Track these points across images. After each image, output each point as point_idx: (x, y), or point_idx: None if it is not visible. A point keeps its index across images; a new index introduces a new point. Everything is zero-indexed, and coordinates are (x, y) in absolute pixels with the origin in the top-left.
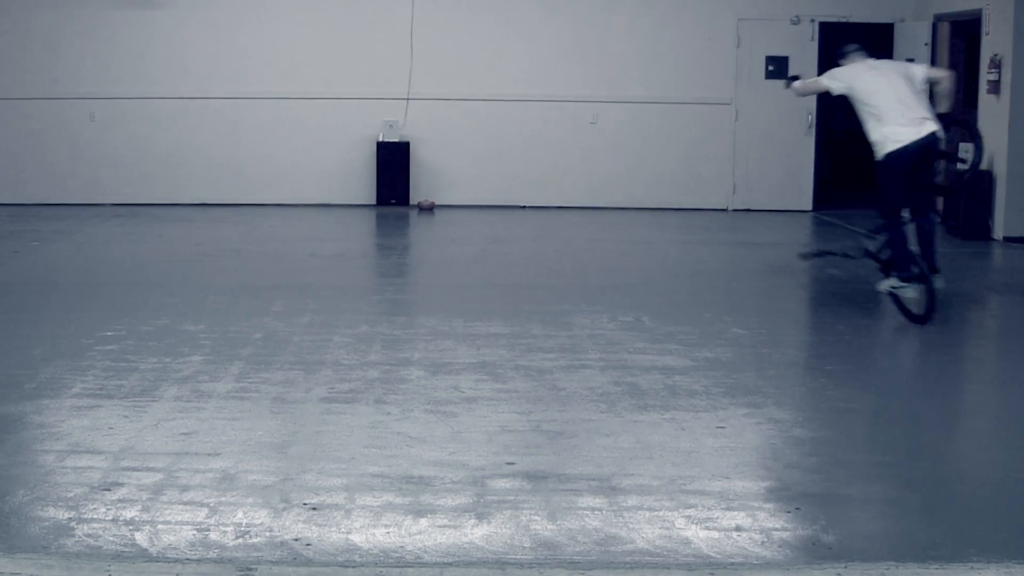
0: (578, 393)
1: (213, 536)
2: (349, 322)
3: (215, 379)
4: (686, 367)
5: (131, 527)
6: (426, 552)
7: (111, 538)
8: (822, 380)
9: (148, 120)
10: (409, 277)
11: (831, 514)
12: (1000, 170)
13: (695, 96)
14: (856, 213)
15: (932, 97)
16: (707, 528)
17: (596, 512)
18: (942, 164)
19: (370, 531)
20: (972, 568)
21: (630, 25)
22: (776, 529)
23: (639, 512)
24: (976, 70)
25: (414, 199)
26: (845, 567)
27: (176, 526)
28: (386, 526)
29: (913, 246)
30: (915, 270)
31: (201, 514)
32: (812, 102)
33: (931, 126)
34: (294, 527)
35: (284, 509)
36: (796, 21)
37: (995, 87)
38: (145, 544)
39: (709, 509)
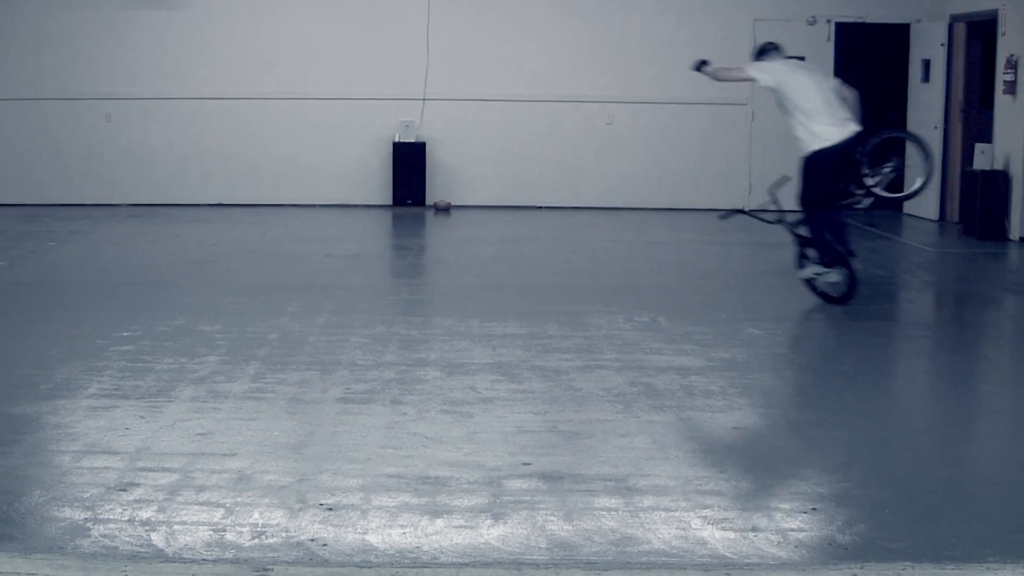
0: (594, 393)
1: (229, 536)
2: (365, 322)
3: (231, 379)
4: (702, 367)
5: (147, 527)
6: (442, 552)
7: (127, 539)
8: (838, 381)
9: (164, 120)
10: (425, 277)
11: (847, 514)
12: (1016, 171)
13: (711, 96)
14: (873, 213)
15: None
16: (723, 528)
17: (612, 512)
18: (888, 171)
19: (386, 531)
20: (988, 568)
21: (646, 25)
22: (792, 529)
23: (655, 512)
24: (992, 71)
25: (430, 199)
26: (861, 567)
27: (192, 526)
28: (402, 526)
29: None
30: (835, 256)
31: (217, 514)
32: None
33: (854, 126)
34: (310, 527)
35: (300, 509)
36: (812, 22)
37: (1011, 87)
38: (161, 544)
39: (725, 510)
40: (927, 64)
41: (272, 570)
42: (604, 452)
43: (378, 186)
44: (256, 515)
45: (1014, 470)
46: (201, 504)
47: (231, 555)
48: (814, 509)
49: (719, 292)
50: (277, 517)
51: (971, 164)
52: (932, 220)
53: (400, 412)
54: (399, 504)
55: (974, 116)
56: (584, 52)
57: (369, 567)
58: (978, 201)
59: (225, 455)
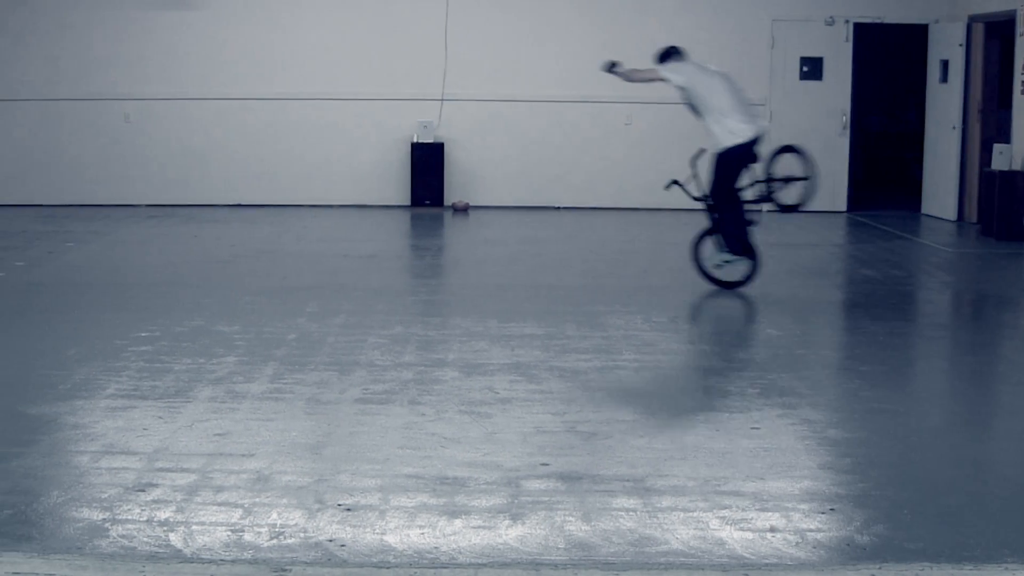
0: (612, 394)
1: (247, 537)
2: (383, 323)
3: (249, 380)
4: (721, 368)
5: (165, 528)
6: (460, 553)
7: (145, 539)
8: (856, 381)
9: (182, 121)
10: (443, 278)
11: (866, 515)
12: None
13: None
14: (890, 214)
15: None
16: (741, 529)
17: (630, 513)
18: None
19: (404, 532)
20: (1007, 569)
21: (664, 26)
22: (811, 530)
23: (673, 513)
24: (1010, 71)
25: (448, 200)
26: (880, 568)
27: (210, 527)
28: (420, 527)
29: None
30: (742, 247)
31: (235, 515)
32: (847, 103)
33: (764, 123)
34: (328, 528)
35: (318, 510)
36: (831, 22)
37: None
38: (179, 545)
39: (743, 510)
40: (945, 64)
41: (290, 571)
42: (622, 452)
43: (396, 186)
44: (274, 515)
45: None
46: (219, 504)
47: (249, 555)
48: (832, 509)
49: (737, 292)
50: (295, 517)
51: (989, 165)
52: (950, 220)
53: (418, 412)
54: (417, 504)
55: (992, 116)
56: (602, 52)
57: (387, 567)
58: (996, 202)
59: (243, 455)
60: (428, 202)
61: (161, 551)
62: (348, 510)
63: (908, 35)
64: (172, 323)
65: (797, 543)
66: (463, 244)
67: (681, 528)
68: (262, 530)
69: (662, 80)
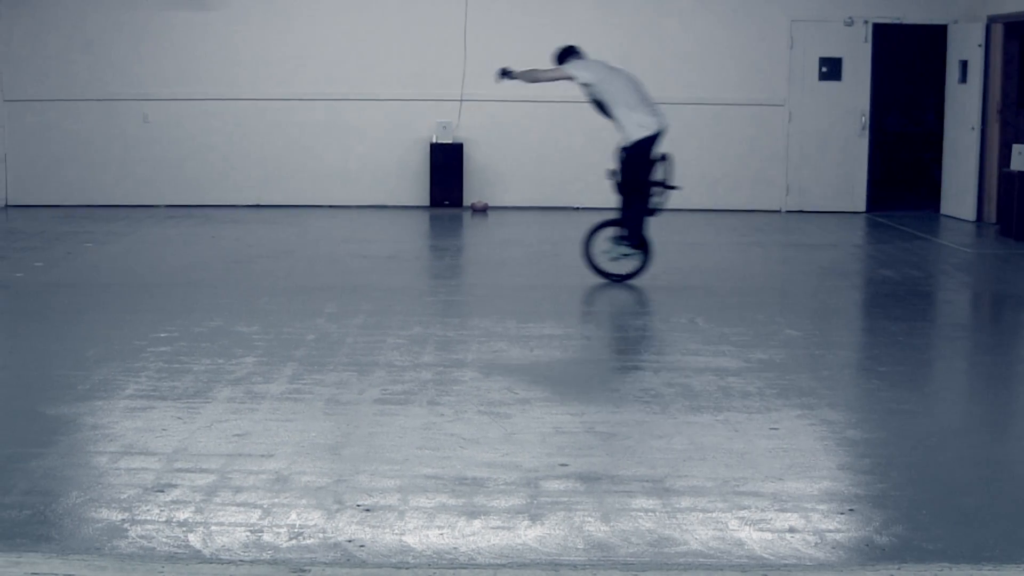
0: (631, 394)
1: (266, 537)
2: (402, 323)
3: (268, 380)
4: (739, 368)
5: (184, 528)
6: (479, 553)
7: (164, 539)
8: (875, 382)
9: (201, 121)
10: (462, 278)
11: (885, 515)
12: None
13: (748, 98)
14: (909, 214)
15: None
16: (760, 529)
17: (649, 513)
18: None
19: (423, 532)
20: None
21: (683, 26)
22: (830, 530)
23: (692, 513)
24: None
25: (467, 200)
26: (899, 568)
27: (230, 527)
28: (439, 527)
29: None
30: (641, 240)
31: (254, 515)
32: (866, 104)
33: (665, 119)
34: (347, 528)
35: (337, 510)
36: (850, 22)
37: None
38: (198, 545)
39: (762, 510)
40: (964, 65)
41: (309, 571)
42: (641, 453)
43: (415, 187)
44: (293, 516)
45: None
46: (238, 505)
47: (268, 556)
48: (851, 510)
49: (757, 293)
50: (314, 518)
51: (1008, 165)
52: (969, 221)
53: (437, 413)
54: (436, 505)
55: (1011, 117)
56: (621, 53)
57: (406, 568)
58: (1015, 202)
59: (262, 456)
60: (447, 203)
61: (180, 552)
62: (367, 511)
63: (927, 35)
64: (191, 324)
65: (816, 544)
66: (482, 245)
67: (700, 529)
68: (281, 531)
69: (569, 78)
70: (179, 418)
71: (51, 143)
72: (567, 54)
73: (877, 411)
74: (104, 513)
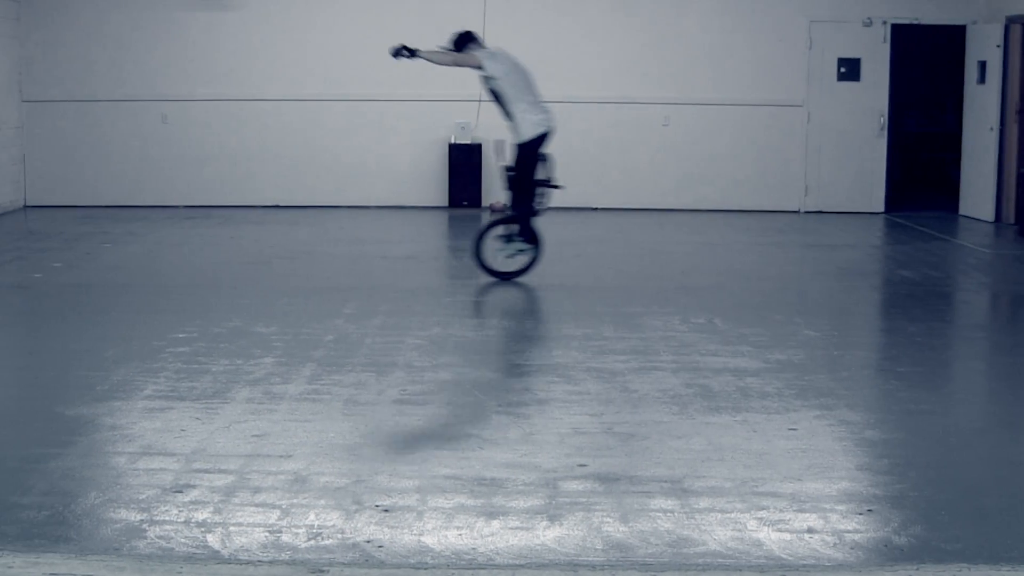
0: (650, 395)
1: (285, 538)
2: (421, 324)
3: (287, 381)
4: (758, 369)
5: (203, 529)
6: (498, 554)
7: (183, 540)
8: (894, 382)
9: (220, 122)
10: (481, 279)
11: (903, 516)
12: None
13: (767, 98)
14: (928, 215)
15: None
16: (779, 530)
17: (668, 514)
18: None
19: (442, 533)
20: None
21: (702, 27)
22: (848, 531)
23: (711, 514)
24: None
25: (486, 201)
26: (917, 569)
27: (248, 528)
28: (458, 528)
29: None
30: (533, 236)
31: (273, 516)
32: (884, 104)
33: (554, 118)
34: (366, 529)
35: (356, 511)
36: (868, 23)
37: None
38: (217, 546)
39: (781, 511)
40: (983, 65)
41: (328, 571)
42: (660, 454)
43: (434, 187)
44: (312, 516)
45: None
46: (257, 505)
47: (287, 557)
48: (870, 510)
49: (775, 293)
50: (333, 518)
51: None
52: (988, 222)
53: (456, 413)
54: (455, 505)
55: None
56: (640, 53)
57: (425, 568)
58: None
59: (281, 456)
60: (466, 203)
61: (199, 552)
62: (386, 511)
63: (946, 36)
64: (210, 324)
65: (835, 544)
66: None
67: (719, 529)
68: (300, 531)
69: (475, 67)
70: (198, 419)
71: (70, 144)
72: (465, 40)
73: (896, 412)
74: (123, 514)
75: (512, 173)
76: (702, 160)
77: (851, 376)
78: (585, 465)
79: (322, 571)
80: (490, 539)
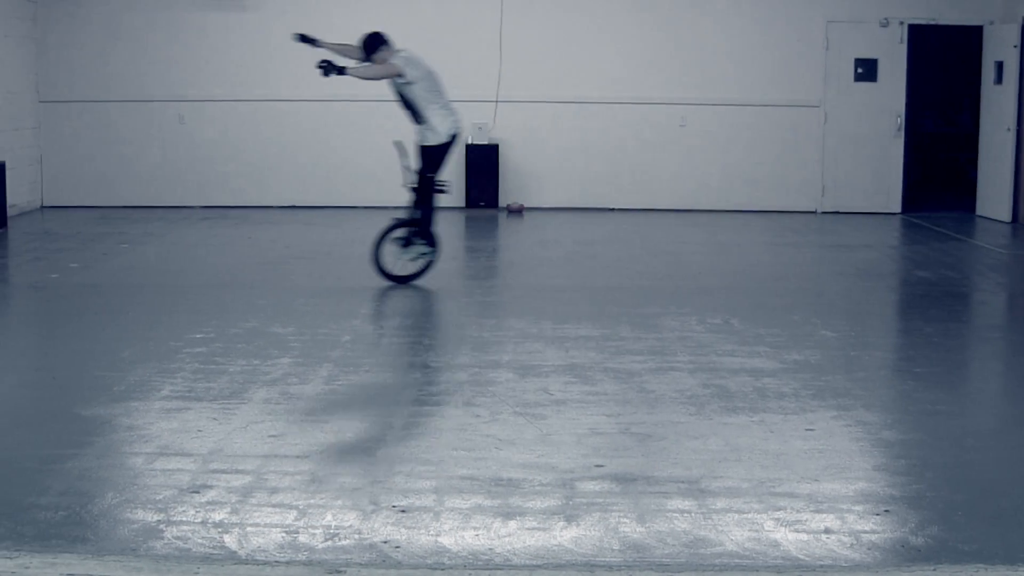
0: (667, 395)
1: (302, 538)
2: (438, 324)
3: (304, 381)
4: (775, 369)
5: (220, 529)
6: (515, 554)
7: (200, 540)
8: (911, 383)
9: (237, 123)
10: (498, 279)
11: (920, 516)
12: None
13: (784, 99)
14: (944, 215)
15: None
16: (796, 530)
17: (685, 514)
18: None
19: (459, 533)
20: None
21: (719, 27)
22: (865, 531)
23: (728, 514)
24: None
25: (503, 201)
26: (934, 570)
27: (265, 528)
28: (475, 528)
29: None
30: (433, 239)
31: (290, 516)
32: (901, 105)
33: (462, 121)
34: (383, 529)
35: (373, 511)
36: (885, 23)
37: None
38: (234, 546)
39: (798, 511)
40: (1000, 66)
41: (345, 572)
42: (677, 454)
43: (451, 188)
44: (329, 517)
45: None
46: (274, 506)
47: (304, 557)
48: (887, 511)
49: (792, 294)
50: (350, 519)
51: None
52: (1004, 222)
53: (473, 414)
54: (472, 506)
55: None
56: (657, 54)
57: (442, 569)
58: None
59: (298, 457)
60: (483, 203)
61: (216, 552)
62: (403, 511)
63: (963, 36)
64: (227, 325)
65: (852, 544)
66: (517, 245)
67: (736, 530)
68: (317, 531)
69: (399, 75)
70: (215, 419)
71: (87, 144)
72: (376, 43)
73: (912, 412)
74: (140, 514)
75: (422, 175)
76: (719, 161)
77: (868, 377)
78: (602, 466)
79: (339, 572)
80: (507, 540)
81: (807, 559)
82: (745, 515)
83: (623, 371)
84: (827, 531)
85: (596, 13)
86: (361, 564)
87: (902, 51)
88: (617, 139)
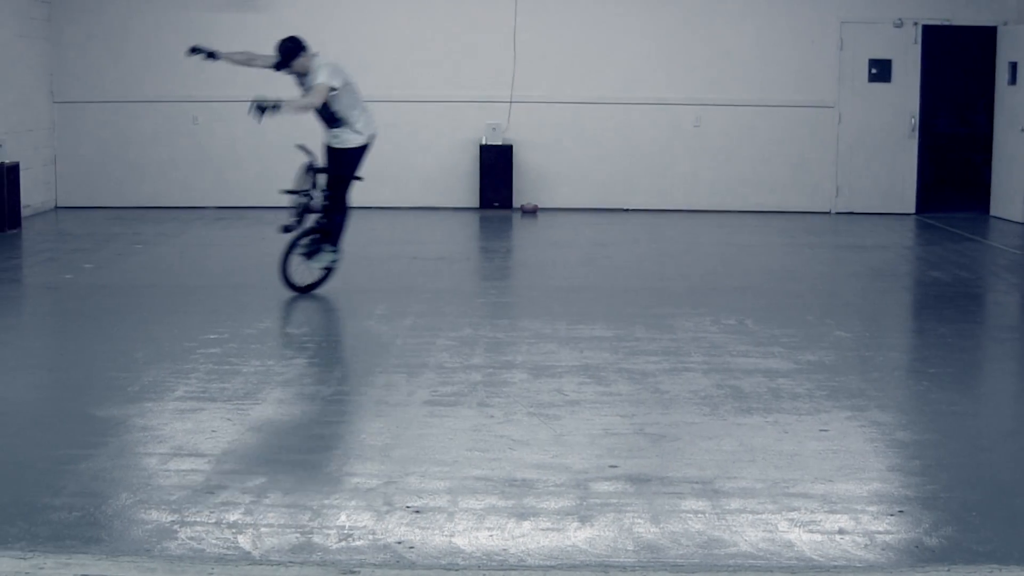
0: (681, 396)
1: (316, 539)
2: (452, 325)
3: (318, 382)
4: (789, 370)
5: (234, 530)
6: (529, 555)
7: (214, 541)
8: (925, 383)
9: (251, 123)
10: (512, 280)
11: (935, 517)
12: None
13: (798, 99)
14: (959, 216)
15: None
16: (810, 531)
17: (699, 515)
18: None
19: (473, 534)
20: None
21: (733, 28)
22: (879, 532)
23: (742, 515)
24: None
25: (517, 202)
26: (948, 570)
27: (279, 529)
28: (489, 529)
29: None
30: (338, 246)
31: (304, 517)
32: (915, 105)
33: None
34: (397, 530)
35: (387, 512)
36: (899, 24)
37: None
38: (248, 547)
39: (812, 512)
40: (1014, 66)
41: (359, 572)
42: (691, 454)
43: (465, 189)
44: (343, 517)
45: None
46: (288, 506)
47: (318, 558)
48: (901, 511)
49: (806, 294)
50: (364, 520)
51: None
52: (1018, 223)
53: (487, 415)
54: (486, 506)
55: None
56: (671, 54)
57: (456, 569)
58: None
59: (312, 457)
60: (497, 204)
61: (229, 553)
62: (417, 512)
63: (977, 37)
64: (241, 325)
65: (866, 545)
66: (532, 246)
67: (750, 530)
68: (331, 532)
69: (332, 91)
70: (229, 419)
71: (101, 145)
72: (294, 50)
73: (927, 413)
74: (154, 515)
75: (340, 178)
76: (733, 161)
77: (882, 377)
78: (616, 466)
79: (353, 572)
80: (521, 540)
81: (821, 560)
82: (759, 516)
83: (637, 372)
84: (841, 532)
85: (610, 14)
86: (375, 565)
87: (916, 52)
88: (632, 140)
